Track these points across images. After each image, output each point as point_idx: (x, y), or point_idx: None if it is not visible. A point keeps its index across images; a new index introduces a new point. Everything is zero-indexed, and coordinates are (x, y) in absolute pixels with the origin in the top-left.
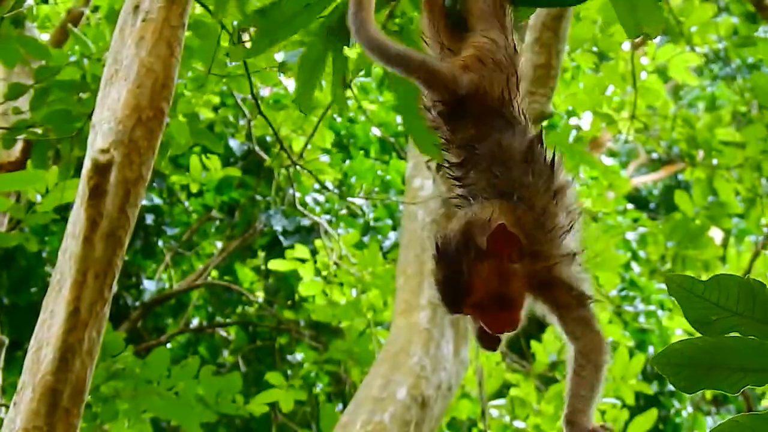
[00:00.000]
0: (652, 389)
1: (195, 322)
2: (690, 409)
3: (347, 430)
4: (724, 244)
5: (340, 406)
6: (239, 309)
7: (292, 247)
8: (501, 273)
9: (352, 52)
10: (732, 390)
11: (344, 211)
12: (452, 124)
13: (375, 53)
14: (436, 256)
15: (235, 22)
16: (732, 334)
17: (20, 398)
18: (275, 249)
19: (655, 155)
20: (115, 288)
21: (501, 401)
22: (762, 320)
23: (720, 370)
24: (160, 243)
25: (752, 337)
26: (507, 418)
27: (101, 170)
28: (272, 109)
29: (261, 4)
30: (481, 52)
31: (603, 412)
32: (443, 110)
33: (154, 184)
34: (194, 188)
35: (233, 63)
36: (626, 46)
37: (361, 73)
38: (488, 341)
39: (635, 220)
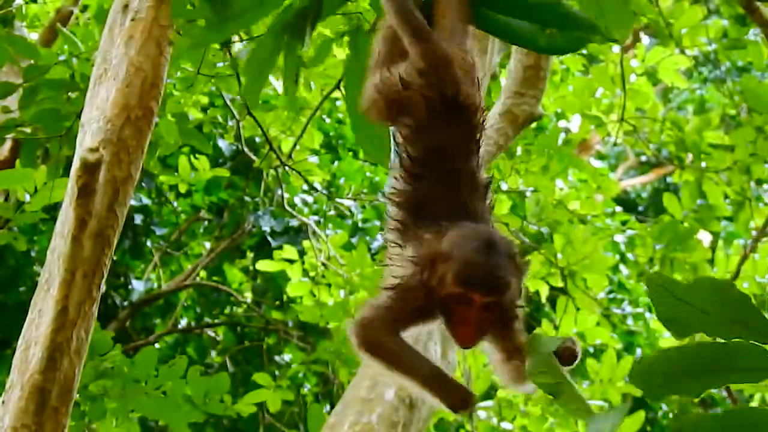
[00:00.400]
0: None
1: (183, 323)
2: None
3: (335, 430)
4: (713, 247)
5: (328, 407)
6: (227, 309)
7: (280, 247)
8: (518, 292)
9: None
10: (694, 395)
11: (333, 212)
12: (436, 118)
13: (394, 12)
14: (489, 243)
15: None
16: (701, 336)
17: (9, 397)
18: (264, 250)
19: (644, 158)
20: (103, 287)
21: (488, 403)
22: (731, 321)
23: (689, 377)
24: (149, 243)
25: (721, 341)
26: (494, 420)
27: (90, 169)
28: (261, 110)
29: None
30: (471, 72)
31: None
32: (435, 100)
33: (143, 184)
34: (183, 188)
35: (220, 64)
36: (616, 48)
37: None
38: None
39: (624, 223)
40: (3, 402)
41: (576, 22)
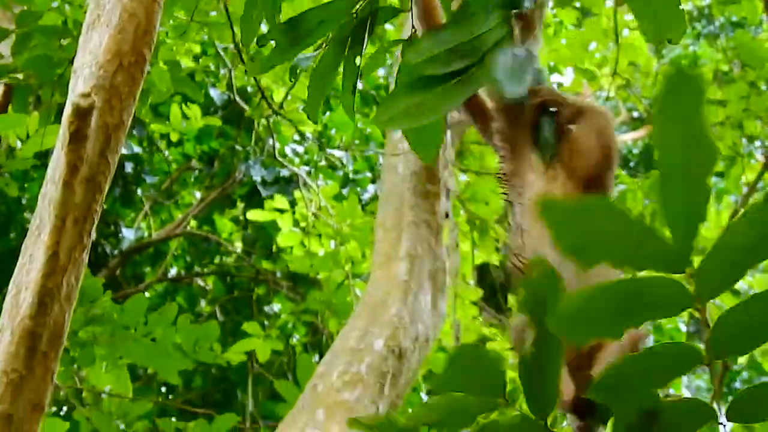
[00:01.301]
0: None
1: (173, 272)
2: None
3: (324, 379)
4: None
5: (317, 356)
6: (217, 259)
7: (271, 197)
8: None
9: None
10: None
11: (324, 163)
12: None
13: None
14: None
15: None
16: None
17: None
18: (254, 199)
19: (635, 114)
20: (93, 235)
21: None
22: (635, 250)
23: (609, 317)
24: (139, 192)
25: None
26: None
27: (82, 115)
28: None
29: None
30: None
31: None
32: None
33: (134, 133)
34: (174, 137)
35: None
36: (609, 1)
37: None
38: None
39: (615, 178)
40: None
41: None
